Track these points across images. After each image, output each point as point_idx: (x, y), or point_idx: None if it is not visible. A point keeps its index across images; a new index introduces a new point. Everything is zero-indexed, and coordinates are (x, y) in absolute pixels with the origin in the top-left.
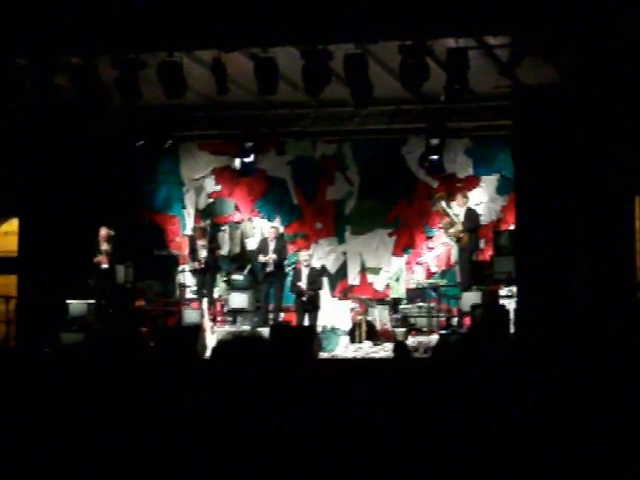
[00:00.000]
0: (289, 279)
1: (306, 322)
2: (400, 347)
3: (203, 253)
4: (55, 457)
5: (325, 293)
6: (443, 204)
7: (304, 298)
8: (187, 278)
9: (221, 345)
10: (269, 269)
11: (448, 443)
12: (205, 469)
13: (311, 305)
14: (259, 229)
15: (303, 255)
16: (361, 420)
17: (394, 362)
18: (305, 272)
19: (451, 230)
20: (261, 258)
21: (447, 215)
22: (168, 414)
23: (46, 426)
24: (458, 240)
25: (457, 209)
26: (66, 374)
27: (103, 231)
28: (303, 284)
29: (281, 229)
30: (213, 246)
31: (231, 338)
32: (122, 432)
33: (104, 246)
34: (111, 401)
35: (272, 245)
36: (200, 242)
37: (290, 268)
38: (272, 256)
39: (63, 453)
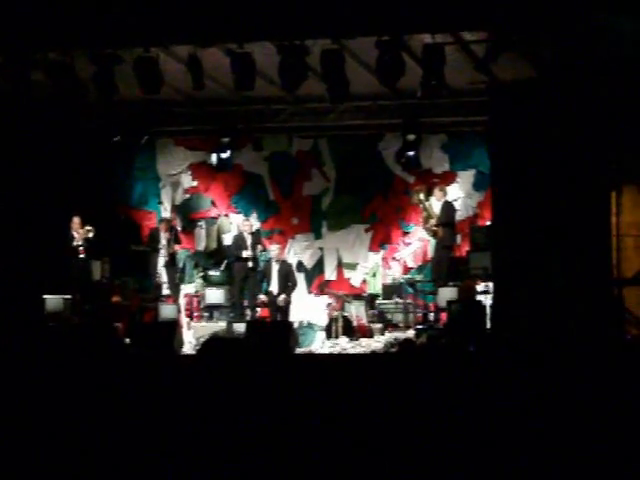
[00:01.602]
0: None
1: (278, 317)
2: (407, 343)
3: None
4: (30, 450)
5: (301, 289)
6: (421, 196)
7: (280, 299)
8: (163, 274)
9: (212, 341)
10: (250, 265)
11: (432, 439)
12: (185, 464)
13: (282, 301)
14: (235, 225)
15: (273, 249)
16: (350, 415)
17: (399, 357)
18: (276, 267)
19: (428, 224)
20: (245, 254)
21: (424, 208)
22: (147, 409)
23: (21, 420)
24: (433, 234)
25: (434, 203)
26: (43, 368)
27: (76, 220)
28: (274, 285)
29: (256, 225)
30: (171, 248)
31: (222, 336)
32: (99, 427)
33: (77, 235)
34: (86, 396)
35: (249, 239)
36: (164, 235)
37: (261, 267)
38: (250, 252)
39: (37, 446)
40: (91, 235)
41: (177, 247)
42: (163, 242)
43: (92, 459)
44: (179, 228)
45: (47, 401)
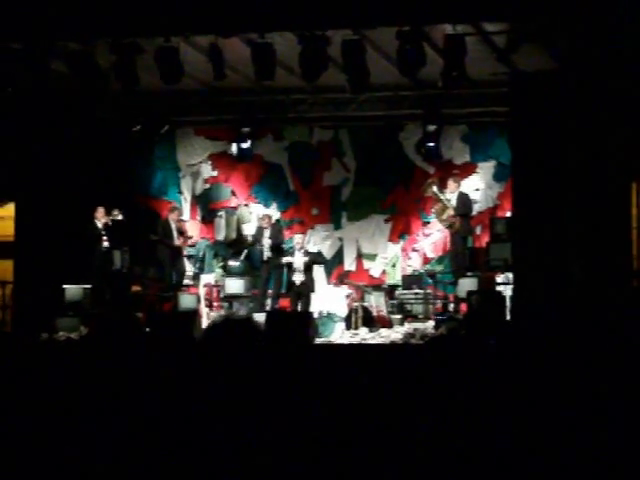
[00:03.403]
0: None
1: (299, 307)
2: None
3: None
4: (50, 441)
5: (321, 279)
6: (435, 189)
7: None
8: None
9: (212, 327)
10: (266, 256)
11: (447, 431)
12: (202, 456)
13: (304, 290)
14: (255, 215)
15: (297, 238)
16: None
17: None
18: (299, 256)
19: (443, 216)
20: (258, 247)
21: (439, 200)
22: (165, 400)
23: (42, 410)
24: (450, 226)
25: (449, 194)
26: (61, 360)
27: (100, 209)
28: (299, 274)
29: (276, 215)
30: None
31: (222, 320)
32: (118, 416)
33: (100, 225)
34: (107, 385)
35: (267, 232)
36: (175, 225)
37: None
38: (267, 241)
39: (57, 437)
40: (120, 217)
41: (181, 239)
42: (175, 233)
43: (107, 450)
44: (198, 218)
45: (67, 391)
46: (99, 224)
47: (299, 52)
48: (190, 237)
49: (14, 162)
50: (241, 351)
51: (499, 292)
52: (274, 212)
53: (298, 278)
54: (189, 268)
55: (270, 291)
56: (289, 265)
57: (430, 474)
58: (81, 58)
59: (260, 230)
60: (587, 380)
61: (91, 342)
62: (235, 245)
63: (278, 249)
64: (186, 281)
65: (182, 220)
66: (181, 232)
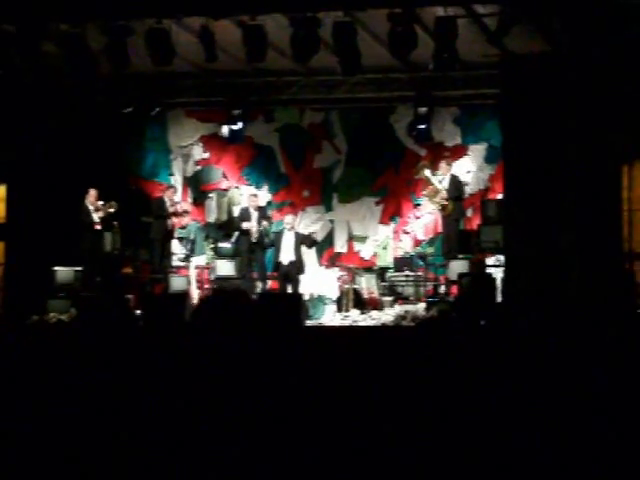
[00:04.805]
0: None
1: (289, 289)
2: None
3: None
4: (40, 422)
5: (312, 261)
6: (427, 172)
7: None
8: (174, 245)
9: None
10: (254, 239)
11: (438, 413)
12: (194, 440)
13: (293, 271)
14: (246, 197)
15: (288, 219)
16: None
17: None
18: (290, 237)
19: (435, 198)
20: (245, 225)
21: (431, 183)
22: (156, 382)
23: (33, 392)
24: (442, 208)
25: (441, 176)
26: (52, 341)
27: (92, 192)
28: (289, 255)
29: (266, 197)
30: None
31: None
32: (109, 398)
33: (92, 207)
34: (97, 367)
35: (255, 214)
36: (169, 203)
37: (271, 239)
38: (254, 225)
39: (47, 419)
40: (112, 210)
41: (175, 220)
42: (170, 210)
43: (104, 435)
44: (189, 200)
45: (61, 375)
46: (90, 207)
47: (290, 34)
48: (187, 212)
49: (5, 144)
50: (233, 328)
51: (490, 274)
52: (265, 194)
53: (286, 258)
54: (179, 250)
55: (255, 274)
56: (266, 245)
57: (422, 455)
58: (72, 40)
59: (246, 210)
60: (577, 362)
61: (81, 324)
62: (226, 227)
63: (260, 234)
64: (177, 263)
65: (176, 202)
66: (175, 212)
